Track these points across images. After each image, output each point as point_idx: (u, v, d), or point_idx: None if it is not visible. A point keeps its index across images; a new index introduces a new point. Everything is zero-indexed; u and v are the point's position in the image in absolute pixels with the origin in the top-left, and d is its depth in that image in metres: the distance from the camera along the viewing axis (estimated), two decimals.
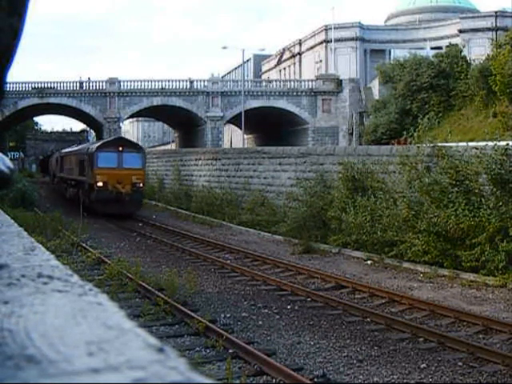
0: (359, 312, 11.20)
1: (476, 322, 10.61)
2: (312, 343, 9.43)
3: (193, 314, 10.49)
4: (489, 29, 60.41)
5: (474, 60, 43.21)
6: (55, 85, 55.18)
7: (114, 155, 28.67)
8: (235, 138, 66.07)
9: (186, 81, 55.89)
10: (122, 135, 47.54)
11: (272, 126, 56.32)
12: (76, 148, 39.16)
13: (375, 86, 52.40)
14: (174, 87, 55.04)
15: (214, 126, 54.39)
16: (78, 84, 55.71)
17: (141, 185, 29.44)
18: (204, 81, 56.80)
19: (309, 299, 12.39)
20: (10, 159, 1.53)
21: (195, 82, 56.22)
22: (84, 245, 18.63)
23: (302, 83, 57.86)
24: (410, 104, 42.39)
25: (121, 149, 28.90)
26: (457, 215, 15.38)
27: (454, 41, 52.57)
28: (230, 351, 8.71)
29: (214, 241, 20.88)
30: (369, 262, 17.25)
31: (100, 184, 28.29)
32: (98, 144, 30.74)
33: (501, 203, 14.97)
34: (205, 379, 0.64)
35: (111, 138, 37.65)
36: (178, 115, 55.00)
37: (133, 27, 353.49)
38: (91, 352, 0.67)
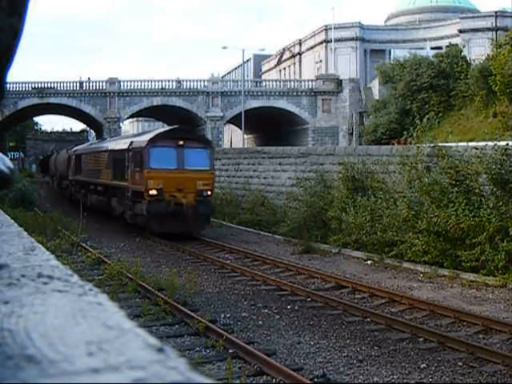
0: (359, 312, 11.20)
1: (476, 322, 10.61)
2: (312, 343, 9.43)
3: (193, 314, 10.49)
4: (489, 29, 60.41)
5: (474, 60, 43.21)
6: (55, 85, 55.18)
7: (173, 152, 21.01)
8: (235, 138, 66.09)
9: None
10: (122, 135, 46.14)
11: (272, 126, 56.33)
12: (105, 143, 30.17)
13: (375, 85, 52.40)
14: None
15: (214, 126, 54.39)
16: (77, 84, 55.71)
17: (208, 193, 21.50)
18: (204, 81, 56.79)
19: (309, 299, 12.39)
20: (10, 159, 1.53)
21: (195, 82, 56.19)
22: (84, 245, 18.63)
23: (302, 83, 57.85)
24: (410, 104, 42.39)
25: (181, 143, 21.12)
26: (457, 215, 15.38)
27: (454, 41, 52.58)
28: (230, 351, 8.71)
29: (214, 241, 20.88)
30: (369, 262, 17.25)
31: (153, 192, 20.56)
32: (151, 136, 21.98)
33: (501, 203, 14.97)
34: (205, 379, 0.64)
35: (167, 128, 29.19)
36: (178, 115, 54.99)
37: (133, 27, 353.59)
38: (91, 352, 0.67)
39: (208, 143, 23.29)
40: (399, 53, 54.97)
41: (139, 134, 28.39)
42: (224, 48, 51.93)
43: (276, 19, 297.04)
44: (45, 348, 0.69)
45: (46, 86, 54.55)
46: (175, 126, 26.87)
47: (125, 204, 23.07)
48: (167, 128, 26.98)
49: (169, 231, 20.52)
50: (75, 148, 37.80)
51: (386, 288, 13.48)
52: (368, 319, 10.83)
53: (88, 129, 78.68)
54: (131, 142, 22.89)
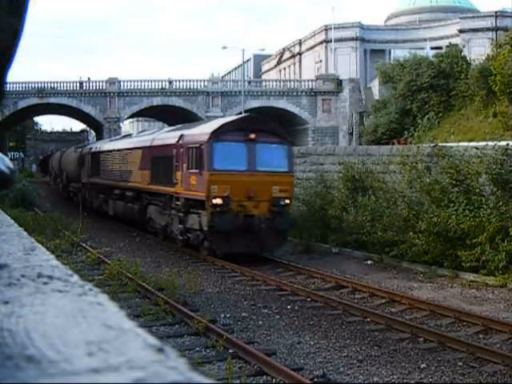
0: (359, 312, 11.20)
1: (476, 322, 10.61)
2: (312, 343, 9.43)
3: (193, 314, 10.49)
4: (489, 29, 60.43)
5: (474, 60, 43.20)
6: (55, 85, 55.19)
7: (242, 148, 16.54)
8: None
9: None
10: (122, 135, 45.52)
11: None
12: (137, 138, 25.12)
13: (375, 85, 52.41)
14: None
15: None
16: (77, 84, 55.73)
17: (286, 201, 16.89)
18: (204, 81, 56.80)
19: (309, 299, 12.39)
20: (10, 159, 1.53)
21: (195, 82, 56.19)
22: (84, 245, 18.63)
23: (302, 83, 57.86)
24: (410, 104, 42.38)
25: (253, 136, 16.57)
26: (457, 215, 15.39)
27: (454, 41, 52.57)
28: (230, 351, 8.70)
29: None
30: (369, 261, 17.26)
31: (218, 201, 15.99)
32: (214, 127, 17.01)
33: (501, 203, 14.98)
34: (205, 379, 0.63)
35: (234, 116, 23.38)
36: (178, 115, 54.99)
37: (133, 27, 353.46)
38: (91, 352, 0.67)
39: (286, 137, 18.05)
40: (399, 53, 55.00)
41: (196, 124, 21.87)
42: (224, 48, 51.94)
43: (276, 19, 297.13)
44: (45, 348, 0.69)
45: (45, 86, 54.56)
46: (245, 115, 20.70)
47: (171, 215, 18.58)
48: (234, 117, 20.38)
49: (236, 252, 16.08)
50: (91, 145, 32.99)
51: (385, 288, 13.48)
52: (368, 319, 10.83)
53: (88, 129, 78.68)
54: (181, 136, 17.98)
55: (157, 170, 19.92)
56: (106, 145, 29.52)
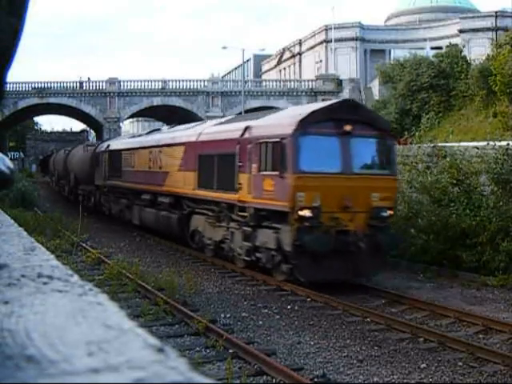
0: (359, 312, 11.20)
1: (476, 322, 10.61)
2: (312, 343, 9.43)
3: (193, 314, 10.48)
4: (489, 29, 60.46)
5: (474, 60, 43.24)
6: (55, 85, 55.23)
7: (334, 143, 12.96)
8: None
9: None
10: (122, 135, 45.14)
11: None
12: (174, 134, 20.43)
13: (375, 85, 52.44)
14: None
15: None
16: (77, 84, 55.77)
17: (388, 212, 13.35)
18: (204, 81, 56.82)
19: (309, 299, 12.38)
20: (10, 159, 1.53)
21: (195, 82, 56.20)
22: (84, 245, 18.63)
23: (302, 83, 57.91)
24: (410, 104, 42.41)
25: (348, 129, 12.98)
26: (457, 215, 15.39)
27: (454, 41, 52.60)
28: (230, 351, 8.70)
29: None
30: None
31: (306, 213, 12.36)
32: (300, 117, 13.02)
33: (501, 203, 14.99)
34: (205, 379, 0.64)
35: (321, 103, 18.23)
36: (178, 115, 55.01)
37: (133, 27, 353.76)
38: (91, 352, 0.67)
39: (387, 128, 14.38)
40: (399, 53, 55.03)
41: (249, 116, 18.11)
42: (224, 48, 51.95)
43: (276, 19, 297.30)
44: (45, 348, 0.69)
45: (46, 86, 54.59)
46: (338, 99, 16.17)
47: (230, 229, 15.07)
48: (322, 103, 15.91)
49: (326, 279, 12.62)
50: (108, 142, 28.62)
51: (385, 288, 13.47)
52: (368, 319, 10.83)
53: (88, 129, 78.71)
54: (247, 128, 14.20)
55: (207, 172, 16.04)
56: (129, 141, 25.22)
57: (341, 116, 13.02)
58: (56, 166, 44.12)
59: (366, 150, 13.54)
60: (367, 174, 13.21)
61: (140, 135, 26.12)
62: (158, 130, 24.83)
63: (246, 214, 13.99)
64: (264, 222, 13.44)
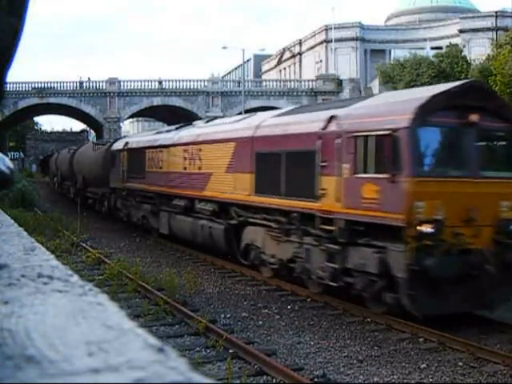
0: (359, 312, 11.19)
1: (476, 321, 10.58)
2: (312, 343, 9.43)
3: (193, 314, 10.49)
4: (489, 29, 60.50)
5: (474, 60, 43.27)
6: (55, 85, 55.27)
7: (459, 138, 10.40)
8: None
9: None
10: (122, 135, 44.77)
11: None
12: (225, 126, 16.61)
13: (375, 85, 52.44)
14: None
15: None
16: (77, 84, 55.80)
17: None
18: (204, 81, 56.84)
19: (309, 299, 12.38)
20: (10, 159, 1.53)
21: (195, 82, 56.20)
22: (84, 245, 18.64)
23: (302, 83, 57.93)
24: None
25: (474, 119, 10.16)
26: None
27: (454, 41, 52.62)
28: (230, 351, 8.70)
29: None
30: None
31: (427, 229, 9.55)
32: (421, 103, 9.79)
33: None
34: (205, 379, 0.64)
35: (442, 85, 12.33)
36: (178, 115, 55.04)
37: (133, 27, 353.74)
38: (91, 352, 0.67)
39: None
40: (399, 53, 55.08)
41: (332, 104, 15.85)
42: (224, 48, 51.97)
43: (276, 19, 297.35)
44: (45, 348, 0.69)
45: (46, 86, 54.63)
46: (461, 82, 11.47)
47: (305, 246, 12.11)
48: (441, 86, 11.67)
49: (448, 311, 10.11)
50: (126, 139, 25.61)
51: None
52: (368, 319, 10.82)
53: (88, 129, 78.76)
54: (333, 118, 11.32)
55: (270, 174, 12.96)
56: (155, 138, 21.43)
57: (465, 103, 10.19)
58: (59, 166, 41.05)
59: (493, 146, 11.16)
60: (496, 178, 10.45)
61: (168, 131, 21.80)
62: (189, 124, 20.95)
63: (332, 227, 11.03)
64: (360, 239, 10.54)
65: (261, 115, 15.90)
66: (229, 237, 15.15)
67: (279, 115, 14.34)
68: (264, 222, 13.53)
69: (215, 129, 16.96)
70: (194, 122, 21.38)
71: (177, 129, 20.81)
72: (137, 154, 21.98)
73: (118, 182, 23.72)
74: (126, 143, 23.79)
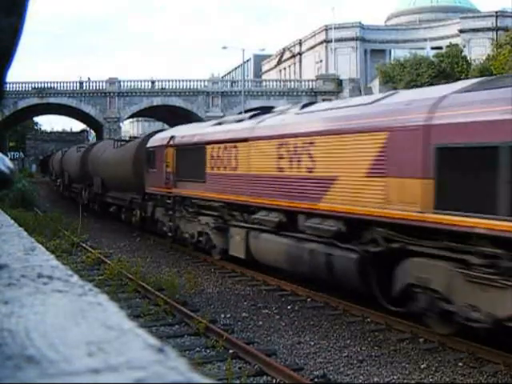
0: (359, 312, 11.19)
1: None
2: (312, 343, 9.43)
3: (193, 315, 10.49)
4: (489, 29, 60.51)
5: (474, 60, 43.30)
6: (55, 85, 55.31)
7: None
8: None
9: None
10: (122, 135, 44.67)
11: None
12: (379, 105, 10.50)
13: (375, 85, 52.43)
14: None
15: None
16: (77, 84, 55.83)
17: None
18: (204, 81, 56.85)
19: (309, 299, 12.38)
20: (10, 159, 1.53)
21: (195, 82, 56.22)
22: (84, 245, 18.64)
23: (302, 83, 57.95)
24: None
25: None
26: None
27: (454, 41, 52.67)
28: (230, 351, 8.71)
29: None
30: None
31: None
32: None
33: None
34: (205, 379, 0.63)
35: None
36: (178, 115, 55.05)
37: (133, 27, 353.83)
38: (91, 352, 0.67)
39: None
40: (399, 53, 55.11)
41: None
42: (224, 48, 51.98)
43: (276, 19, 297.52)
44: (45, 348, 0.69)
45: (46, 86, 54.66)
46: None
47: None
48: None
49: None
50: (167, 133, 19.94)
51: None
52: (368, 319, 10.82)
53: (88, 129, 78.80)
54: None
55: (468, 180, 8.37)
56: (221, 129, 15.99)
57: None
58: (66, 166, 36.41)
59: None
60: None
61: (240, 120, 15.93)
62: (269, 108, 17.41)
63: None
64: None
65: (435, 90, 10.44)
66: (365, 270, 10.39)
67: (478, 88, 9.03)
68: (452, 255, 8.73)
69: (339, 113, 11.59)
70: (278, 108, 16.30)
71: (252, 117, 15.44)
72: (191, 151, 17.09)
73: (160, 187, 18.99)
74: (172, 138, 18.56)
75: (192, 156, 17.01)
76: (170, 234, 19.08)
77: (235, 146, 14.60)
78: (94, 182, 27.25)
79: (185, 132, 18.70)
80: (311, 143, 11.78)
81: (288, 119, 13.41)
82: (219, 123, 17.32)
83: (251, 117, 15.64)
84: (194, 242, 17.32)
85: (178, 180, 17.99)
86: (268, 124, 13.87)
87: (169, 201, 18.60)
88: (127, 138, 26.94)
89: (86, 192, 30.14)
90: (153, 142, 20.40)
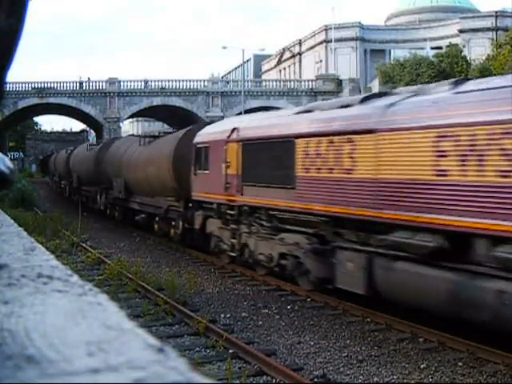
0: (359, 312, 11.19)
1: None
2: (312, 343, 9.43)
3: (193, 314, 10.49)
4: (489, 29, 60.53)
5: (474, 60, 43.31)
6: (55, 85, 55.30)
7: None
8: None
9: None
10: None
11: None
12: None
13: (375, 85, 52.43)
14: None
15: None
16: (77, 84, 55.84)
17: None
18: (204, 81, 56.85)
19: (309, 299, 12.38)
20: (10, 159, 1.53)
21: (195, 82, 56.20)
22: (84, 245, 18.63)
23: (302, 83, 57.95)
24: None
25: None
26: None
27: (454, 41, 52.67)
28: (230, 351, 8.70)
29: None
30: None
31: None
32: None
33: None
34: (205, 379, 0.64)
35: None
36: (178, 115, 55.04)
37: (133, 27, 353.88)
38: (91, 352, 0.67)
39: None
40: (399, 53, 55.13)
41: None
42: (224, 48, 51.98)
43: (276, 19, 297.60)
44: (45, 348, 0.69)
45: (45, 86, 54.66)
46: None
47: None
48: None
49: None
50: (233, 124, 14.82)
51: None
52: (368, 319, 10.82)
53: (88, 129, 78.79)
54: None
55: None
56: (319, 118, 11.73)
57: None
58: (74, 168, 32.36)
59: None
60: None
61: (347, 105, 11.41)
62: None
63: None
64: None
65: None
66: None
67: None
68: None
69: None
70: (401, 88, 12.56)
71: (366, 100, 11.09)
72: (269, 148, 12.96)
73: (215, 193, 15.11)
74: (234, 130, 14.36)
75: (270, 154, 12.91)
76: (231, 254, 15.10)
77: (350, 140, 10.49)
78: (114, 185, 23.45)
79: (255, 122, 14.35)
80: (507, 133, 7.50)
81: (460, 98, 8.52)
82: (307, 110, 12.84)
83: (363, 100, 11.18)
84: (273, 266, 13.37)
85: (245, 185, 13.93)
86: (415, 107, 9.30)
87: (231, 211, 14.62)
88: (156, 134, 22.46)
89: (103, 196, 26.10)
90: (204, 137, 16.21)
